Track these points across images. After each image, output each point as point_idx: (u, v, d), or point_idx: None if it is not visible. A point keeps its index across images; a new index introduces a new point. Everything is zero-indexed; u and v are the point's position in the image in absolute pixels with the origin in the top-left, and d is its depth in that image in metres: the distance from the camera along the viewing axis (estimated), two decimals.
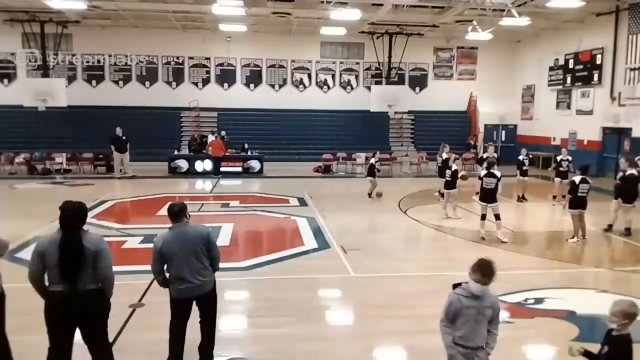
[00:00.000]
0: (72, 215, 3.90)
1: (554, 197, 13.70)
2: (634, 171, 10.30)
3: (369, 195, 14.22)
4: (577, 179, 9.58)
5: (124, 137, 18.04)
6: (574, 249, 9.51)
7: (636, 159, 11.61)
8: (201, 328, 4.65)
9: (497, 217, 9.64)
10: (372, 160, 14.34)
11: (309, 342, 5.36)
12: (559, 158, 13.90)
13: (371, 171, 14.24)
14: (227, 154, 19.58)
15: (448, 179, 11.77)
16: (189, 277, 4.39)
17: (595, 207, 11.01)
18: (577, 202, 9.49)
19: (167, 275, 4.50)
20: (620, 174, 10.67)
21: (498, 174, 9.73)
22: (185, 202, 4.75)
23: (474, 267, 3.79)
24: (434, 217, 11.85)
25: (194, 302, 4.57)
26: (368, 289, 7.07)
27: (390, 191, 14.39)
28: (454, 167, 11.88)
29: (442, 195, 12.80)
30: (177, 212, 4.48)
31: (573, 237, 9.68)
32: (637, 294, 6.89)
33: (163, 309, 4.87)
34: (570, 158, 13.83)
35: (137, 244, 9.17)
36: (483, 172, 9.90)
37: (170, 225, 4.54)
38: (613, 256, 9.46)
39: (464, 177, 11.71)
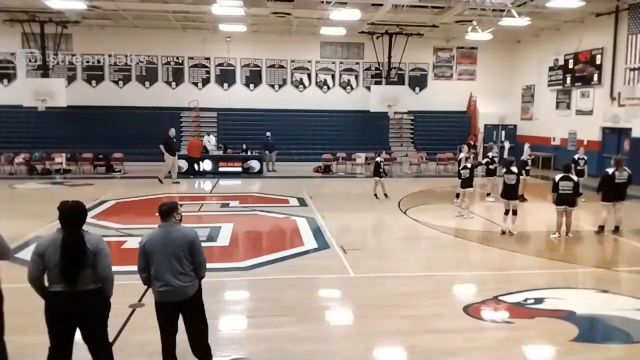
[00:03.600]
0: (72, 214, 3.90)
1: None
2: (608, 170, 10.43)
3: (375, 196, 14.19)
4: (557, 177, 9.81)
5: (175, 140, 17.14)
6: (574, 249, 9.52)
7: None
8: (189, 340, 4.50)
9: (515, 212, 10.11)
10: (378, 159, 14.32)
11: (309, 342, 5.36)
12: (576, 157, 13.86)
13: (376, 171, 14.20)
14: (225, 153, 19.68)
15: (465, 177, 11.91)
16: (169, 279, 4.27)
17: (595, 208, 11.04)
18: (560, 199, 9.76)
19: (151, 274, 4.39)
20: None
21: (516, 170, 10.18)
22: (177, 202, 4.70)
23: None
24: (433, 217, 11.85)
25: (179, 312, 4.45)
26: (368, 289, 7.06)
27: (390, 191, 14.39)
28: (468, 165, 12.02)
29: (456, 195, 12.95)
30: (165, 211, 4.41)
31: (555, 233, 9.97)
32: (637, 294, 6.91)
33: None
34: (586, 157, 13.81)
35: (137, 244, 9.08)
36: (503, 170, 10.45)
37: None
38: (613, 256, 9.46)
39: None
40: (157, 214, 4.47)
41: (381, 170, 14.27)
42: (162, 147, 16.78)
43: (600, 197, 10.40)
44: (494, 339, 5.55)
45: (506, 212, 10.18)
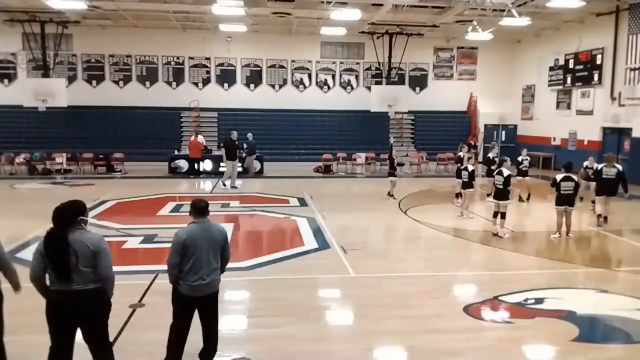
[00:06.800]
0: (60, 211, 3.91)
1: (593, 201, 12.63)
2: (598, 166, 11.28)
3: (389, 194, 14.17)
4: (558, 177, 9.77)
5: (237, 142, 16.48)
6: (574, 249, 9.53)
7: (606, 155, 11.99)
8: (203, 334, 4.59)
9: (503, 215, 9.84)
10: (394, 152, 14.22)
11: (309, 342, 5.36)
12: (585, 164, 13.57)
13: (392, 167, 14.10)
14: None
15: (465, 179, 11.70)
16: (205, 273, 4.40)
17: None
18: (562, 199, 9.73)
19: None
20: None
21: (506, 172, 9.87)
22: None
23: None
24: (433, 217, 11.84)
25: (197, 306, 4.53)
26: (368, 289, 7.06)
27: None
28: (470, 167, 11.74)
29: (460, 195, 12.74)
30: (204, 208, 4.54)
31: (555, 233, 9.93)
32: (637, 294, 6.91)
33: (163, 309, 4.86)
34: (597, 166, 13.76)
35: (137, 244, 9.18)
36: (495, 172, 10.35)
37: (186, 222, 4.55)
38: (613, 256, 9.45)
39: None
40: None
41: (397, 164, 14.13)
42: (223, 151, 16.36)
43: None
44: (494, 339, 5.55)
45: (494, 215, 10.03)
